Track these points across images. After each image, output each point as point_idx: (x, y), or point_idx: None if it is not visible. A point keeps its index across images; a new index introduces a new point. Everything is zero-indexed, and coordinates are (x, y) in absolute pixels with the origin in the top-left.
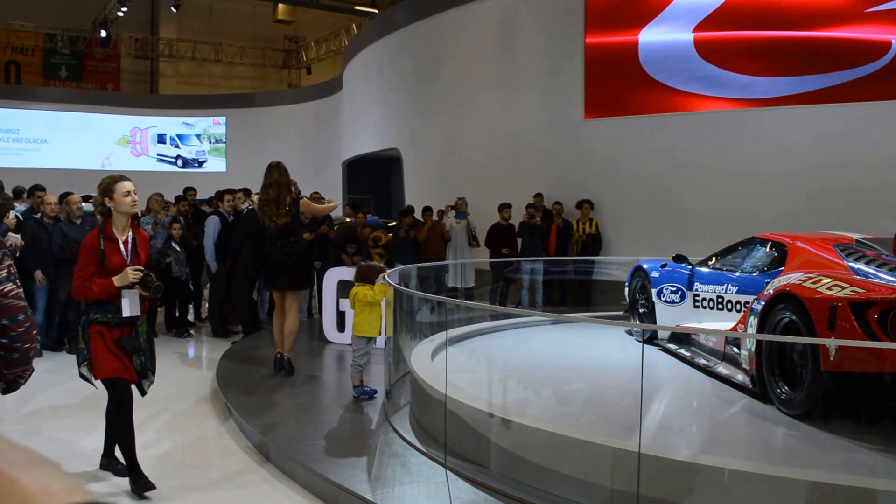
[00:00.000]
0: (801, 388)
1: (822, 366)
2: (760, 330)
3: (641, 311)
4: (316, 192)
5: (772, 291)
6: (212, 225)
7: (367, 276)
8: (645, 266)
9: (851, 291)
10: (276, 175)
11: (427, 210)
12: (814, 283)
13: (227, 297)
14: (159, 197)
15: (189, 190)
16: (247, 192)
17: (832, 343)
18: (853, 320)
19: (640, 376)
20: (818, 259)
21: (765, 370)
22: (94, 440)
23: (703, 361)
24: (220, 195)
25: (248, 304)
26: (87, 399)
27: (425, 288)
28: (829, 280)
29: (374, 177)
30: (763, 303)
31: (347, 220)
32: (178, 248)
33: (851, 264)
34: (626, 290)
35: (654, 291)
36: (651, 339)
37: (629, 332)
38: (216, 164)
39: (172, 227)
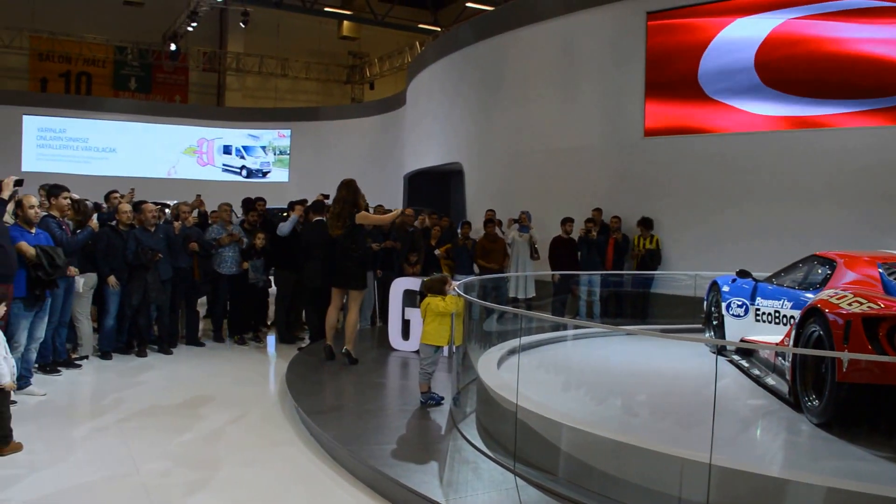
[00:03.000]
0: (822, 399)
1: (837, 376)
2: (795, 343)
3: (714, 323)
4: (380, 205)
5: (806, 307)
6: (291, 220)
7: (437, 288)
8: (718, 281)
9: (867, 307)
10: (344, 192)
11: (489, 223)
12: (838, 298)
13: (294, 303)
14: (227, 207)
15: (259, 200)
16: (316, 206)
17: (844, 356)
18: (863, 335)
19: (714, 387)
20: (858, 276)
21: (798, 381)
22: (163, 443)
23: (756, 373)
24: (291, 206)
25: (316, 310)
26: (152, 403)
27: (488, 299)
28: (852, 296)
29: (435, 190)
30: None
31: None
32: (253, 257)
33: (889, 281)
34: (705, 303)
35: (723, 305)
36: (721, 350)
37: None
38: (279, 175)
39: (257, 237)
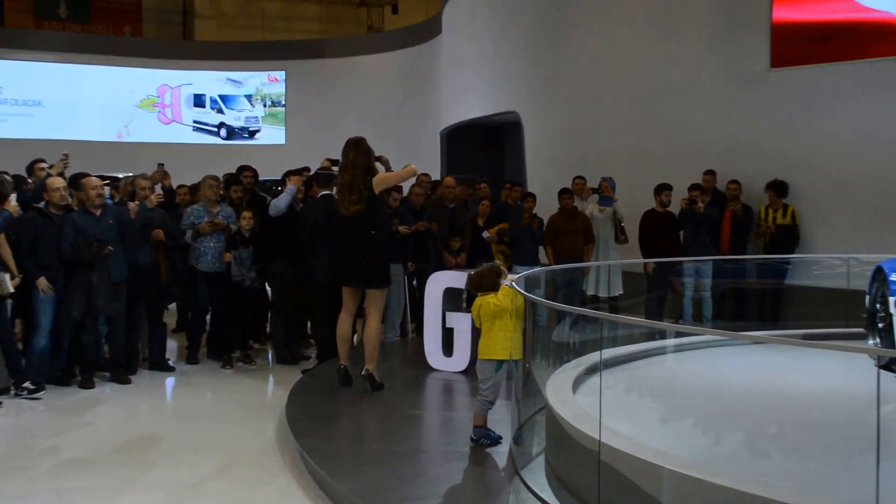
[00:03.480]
0: None
1: None
2: None
3: (880, 326)
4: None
5: None
6: (286, 194)
7: (488, 283)
8: (885, 267)
9: None
10: (353, 155)
11: (566, 193)
12: None
13: (296, 309)
14: (215, 182)
15: (244, 170)
16: (321, 176)
17: None
18: None
19: (877, 415)
20: None
21: None
22: None
23: None
24: (288, 176)
25: (327, 318)
26: (103, 451)
27: (558, 297)
28: None
29: (482, 150)
30: None
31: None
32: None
33: None
34: (866, 298)
35: (892, 301)
36: (890, 365)
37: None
38: (272, 135)
39: (242, 217)
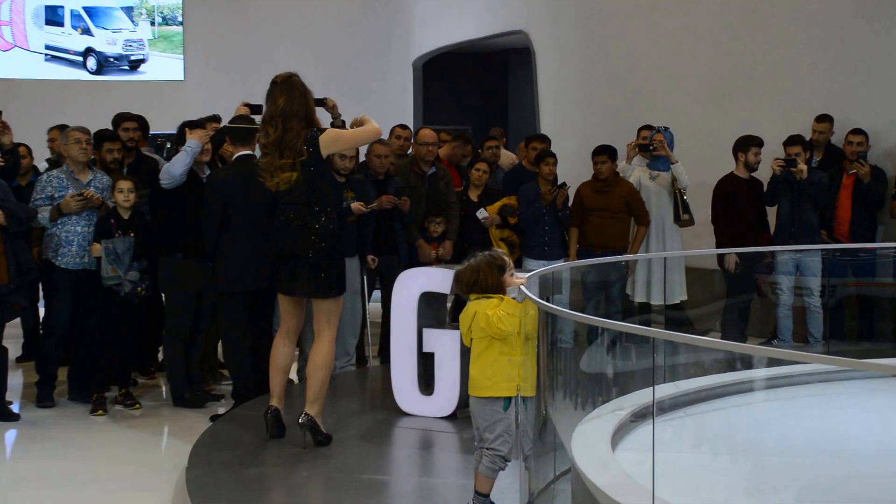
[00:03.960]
0: None
1: None
2: None
3: None
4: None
5: None
6: (185, 155)
7: (487, 280)
8: None
9: None
10: (283, 100)
11: (602, 152)
12: None
13: (200, 328)
14: (82, 136)
15: (124, 121)
16: (238, 131)
17: None
18: None
19: None
20: None
21: None
22: None
23: None
24: (187, 128)
25: (241, 340)
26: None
27: (589, 306)
28: None
29: (474, 88)
30: None
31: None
32: (116, 234)
33: None
34: None
35: None
36: None
37: None
38: (164, 68)
39: (118, 189)
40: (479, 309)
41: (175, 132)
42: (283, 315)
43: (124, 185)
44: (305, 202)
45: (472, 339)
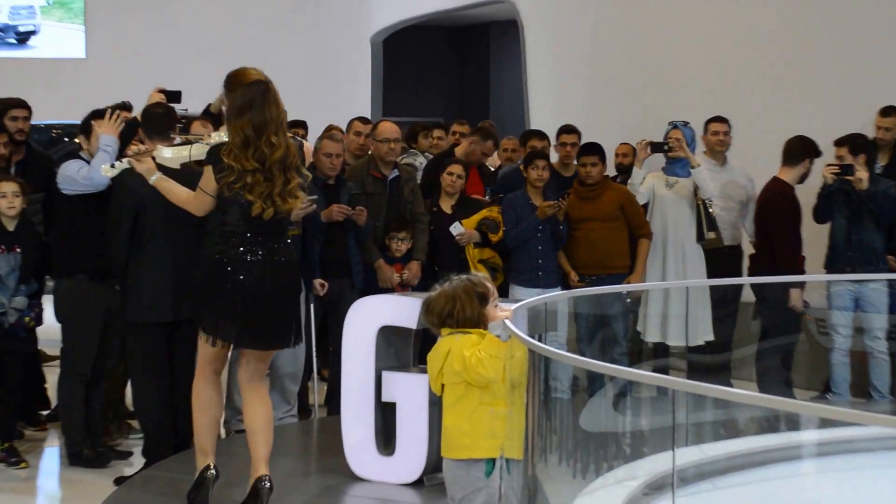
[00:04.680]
0: None
1: None
2: None
3: None
4: (334, 127)
5: None
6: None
7: (462, 311)
8: None
9: None
10: (276, 110)
11: (592, 152)
12: None
13: (103, 367)
14: None
15: (11, 108)
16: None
17: None
18: None
19: None
20: None
21: None
22: None
23: None
24: (92, 119)
25: (155, 383)
26: None
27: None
28: None
29: (446, 72)
30: None
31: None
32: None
33: None
34: None
35: None
36: None
37: None
38: (61, 41)
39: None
40: (454, 347)
41: (81, 121)
42: (208, 356)
43: (7, 187)
44: (279, 232)
45: (443, 386)
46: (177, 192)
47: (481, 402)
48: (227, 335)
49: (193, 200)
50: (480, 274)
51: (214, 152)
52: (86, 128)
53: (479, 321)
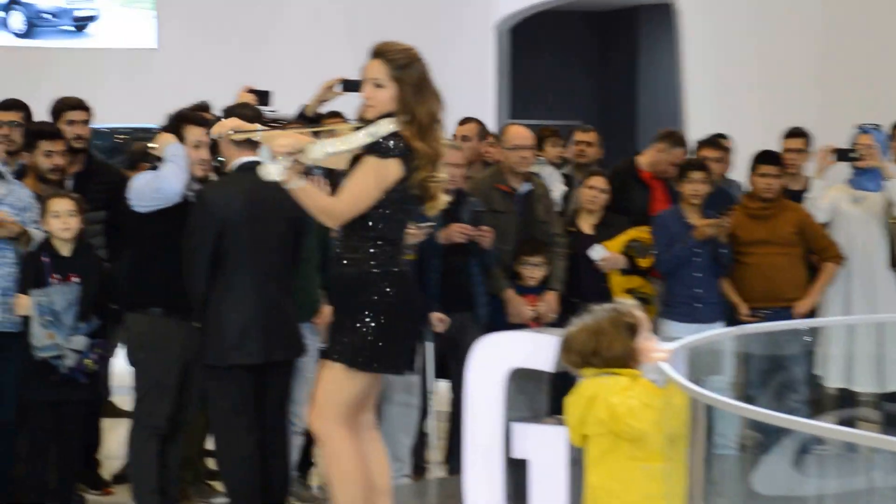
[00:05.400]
0: None
1: None
2: None
3: None
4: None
5: None
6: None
7: (609, 348)
8: None
9: None
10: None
11: (770, 161)
12: None
13: (181, 418)
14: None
15: (69, 109)
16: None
17: None
18: None
19: None
20: None
21: None
22: None
23: None
24: (176, 123)
25: (241, 437)
26: None
27: (764, 392)
28: None
29: (585, 65)
30: None
31: None
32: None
33: None
34: None
35: None
36: None
37: None
38: (127, 29)
39: (49, 209)
40: (600, 392)
41: (149, 126)
42: (353, 398)
43: (61, 205)
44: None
45: (585, 437)
46: (319, 198)
47: (632, 458)
48: (394, 362)
49: (349, 203)
50: (629, 302)
51: (392, 139)
52: (175, 134)
53: (629, 359)
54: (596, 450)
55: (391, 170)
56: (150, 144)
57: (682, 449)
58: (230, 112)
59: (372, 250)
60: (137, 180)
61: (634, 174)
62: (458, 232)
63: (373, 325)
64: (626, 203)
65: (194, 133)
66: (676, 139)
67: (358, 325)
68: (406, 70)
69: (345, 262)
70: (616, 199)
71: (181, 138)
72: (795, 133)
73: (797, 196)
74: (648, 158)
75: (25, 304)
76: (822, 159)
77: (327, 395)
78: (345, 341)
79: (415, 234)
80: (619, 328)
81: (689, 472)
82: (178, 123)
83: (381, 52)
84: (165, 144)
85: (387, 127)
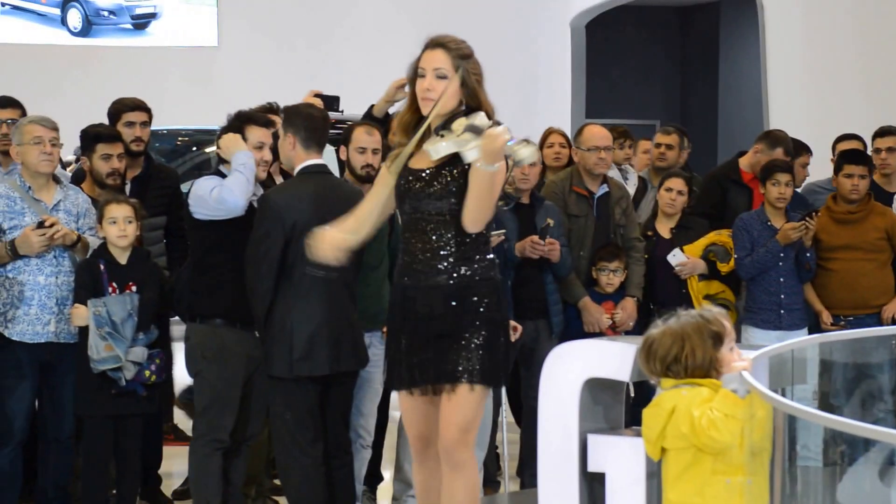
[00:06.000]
0: None
1: None
2: None
3: None
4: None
5: None
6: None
7: (695, 356)
8: None
9: None
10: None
11: (859, 160)
12: None
13: (246, 433)
14: (45, 131)
15: (128, 110)
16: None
17: None
18: None
19: None
20: None
21: None
22: None
23: None
24: (240, 122)
25: (307, 451)
26: None
27: (841, 402)
28: None
29: (664, 63)
30: None
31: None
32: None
33: None
34: None
35: None
36: None
37: None
38: (187, 27)
39: (105, 215)
40: (680, 403)
41: (220, 127)
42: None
43: (119, 211)
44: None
45: (664, 450)
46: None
47: (714, 472)
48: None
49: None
50: (715, 309)
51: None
52: (237, 131)
53: (711, 368)
54: (676, 464)
55: (503, 169)
56: (212, 148)
57: (764, 461)
58: (296, 110)
59: (489, 257)
60: (200, 186)
61: (736, 176)
62: (531, 247)
63: (502, 339)
64: (727, 206)
65: (257, 134)
66: (775, 139)
67: (485, 339)
68: (470, 61)
69: (464, 271)
70: (717, 203)
71: (243, 138)
72: (886, 132)
73: (889, 198)
74: (748, 160)
75: (83, 314)
76: None
77: (470, 421)
78: (473, 360)
79: (492, 240)
80: (704, 336)
81: (771, 485)
82: (240, 123)
83: (441, 43)
84: (234, 149)
85: (485, 121)
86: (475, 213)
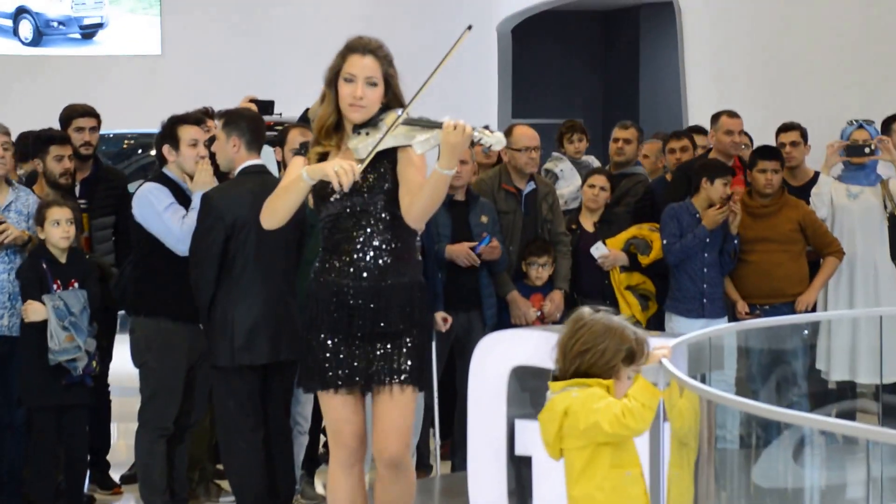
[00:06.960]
0: None
1: None
2: None
3: None
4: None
5: None
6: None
7: (603, 359)
8: None
9: None
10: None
11: (772, 156)
12: None
13: (188, 420)
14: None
15: (77, 116)
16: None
17: None
18: None
19: None
20: None
21: None
22: None
23: None
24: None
25: (248, 437)
26: None
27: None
28: None
29: (587, 64)
30: None
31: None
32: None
33: None
34: None
35: None
36: None
37: None
38: (132, 35)
39: (48, 217)
40: (573, 404)
41: (159, 130)
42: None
43: (61, 213)
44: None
45: (562, 451)
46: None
47: (612, 466)
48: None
49: None
50: (641, 331)
51: None
52: (170, 136)
53: (606, 376)
54: (578, 462)
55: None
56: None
57: (690, 454)
58: (234, 114)
59: (419, 258)
60: (154, 195)
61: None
62: (467, 254)
63: (429, 340)
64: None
65: (190, 132)
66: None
67: (416, 341)
68: (393, 67)
69: (400, 273)
70: (686, 194)
71: (177, 141)
72: (789, 127)
73: (796, 192)
74: (714, 144)
75: (39, 309)
76: (832, 155)
77: (410, 425)
78: (410, 362)
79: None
80: (622, 346)
81: (696, 474)
82: (172, 127)
83: (370, 50)
84: (201, 187)
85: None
86: (423, 212)
